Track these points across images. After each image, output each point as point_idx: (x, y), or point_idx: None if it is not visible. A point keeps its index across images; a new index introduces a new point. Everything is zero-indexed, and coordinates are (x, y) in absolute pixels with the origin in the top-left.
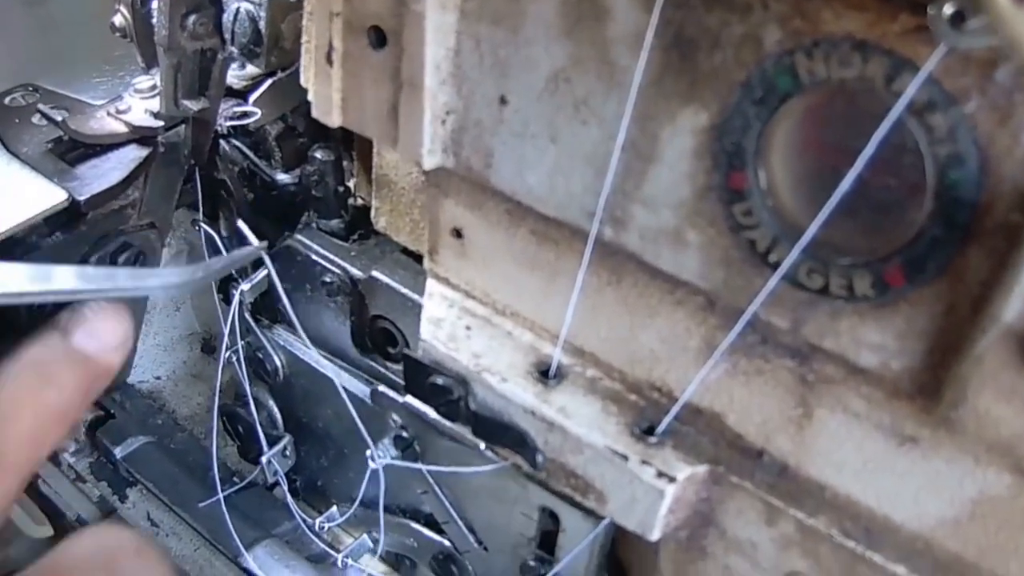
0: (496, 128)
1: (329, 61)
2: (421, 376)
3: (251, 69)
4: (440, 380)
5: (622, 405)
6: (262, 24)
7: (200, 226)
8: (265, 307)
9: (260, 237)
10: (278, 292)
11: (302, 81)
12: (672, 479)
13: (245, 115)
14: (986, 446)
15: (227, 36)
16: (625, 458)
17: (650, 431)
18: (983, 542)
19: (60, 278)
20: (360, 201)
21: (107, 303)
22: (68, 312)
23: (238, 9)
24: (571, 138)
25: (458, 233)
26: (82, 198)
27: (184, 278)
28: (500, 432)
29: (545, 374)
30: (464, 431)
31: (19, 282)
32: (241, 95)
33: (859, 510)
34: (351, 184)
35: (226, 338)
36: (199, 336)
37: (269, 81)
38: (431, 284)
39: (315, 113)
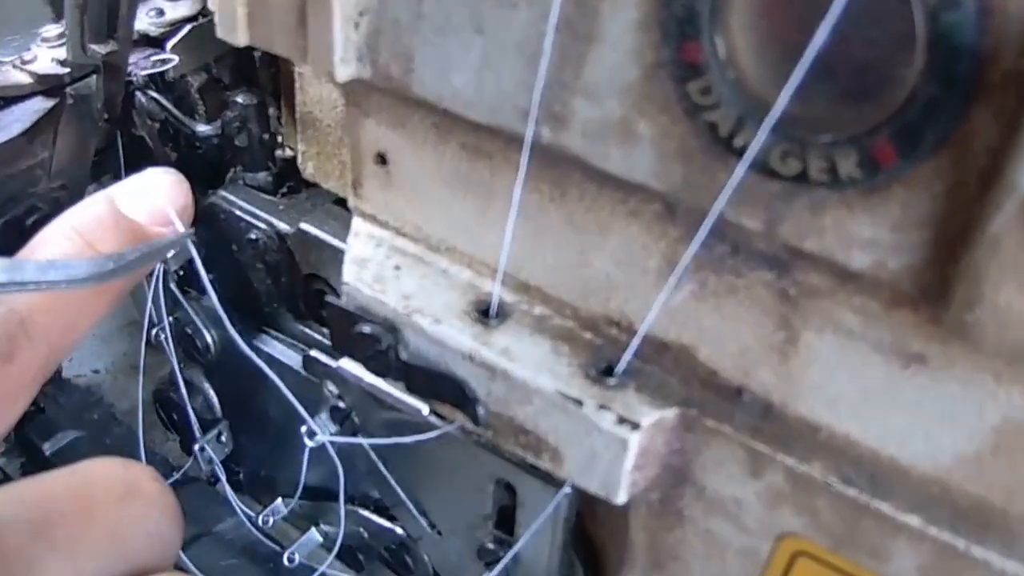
0: (415, 25)
1: None
2: (346, 325)
3: (169, 15)
4: (367, 328)
5: (575, 344)
6: None
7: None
8: (194, 277)
9: None
10: (199, 273)
11: (210, 4)
12: (636, 425)
13: (162, 63)
14: (1009, 356)
15: None
16: (579, 403)
17: (608, 372)
18: (1010, 481)
19: None
20: (289, 152)
21: (164, 170)
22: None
23: None
24: (498, 25)
25: (382, 159)
26: None
27: (92, 270)
28: (436, 384)
29: (485, 314)
30: (398, 389)
31: None
32: (159, 43)
33: (860, 452)
34: (278, 134)
35: (150, 313)
36: (138, 325)
37: (189, 27)
38: (356, 223)
39: (220, 32)
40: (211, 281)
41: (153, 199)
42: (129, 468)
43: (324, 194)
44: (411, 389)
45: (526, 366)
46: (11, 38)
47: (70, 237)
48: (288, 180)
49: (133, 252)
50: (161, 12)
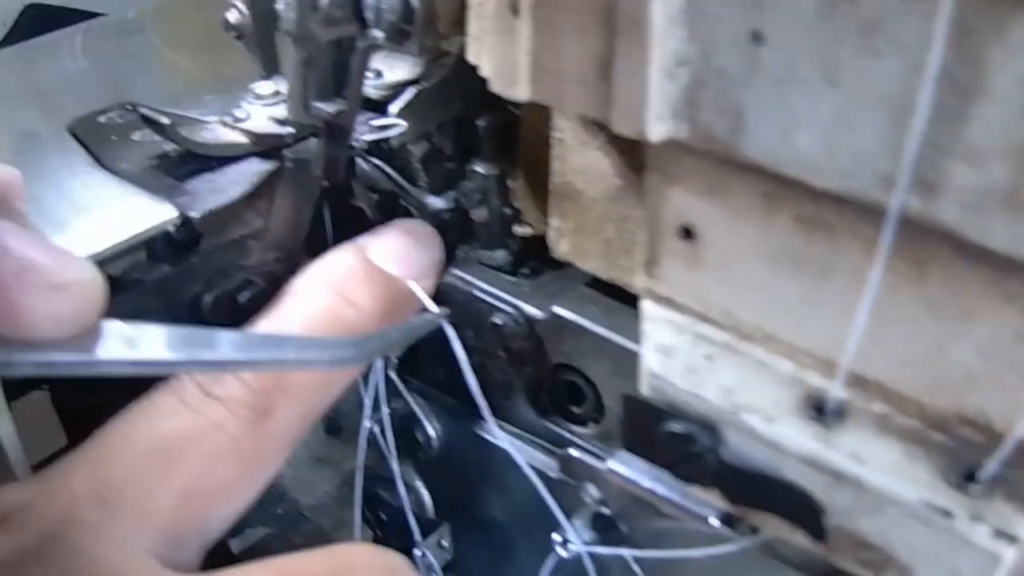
0: (748, 76)
1: (515, 11)
2: (649, 424)
3: (389, 77)
4: (678, 427)
5: (927, 447)
6: None
7: None
8: (414, 366)
9: None
10: (459, 361)
11: (470, 56)
12: (1013, 539)
13: (386, 128)
14: None
15: (369, 16)
16: (948, 514)
17: (969, 478)
18: None
19: (222, 345)
20: (528, 229)
21: (414, 222)
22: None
23: None
24: (858, 77)
25: (688, 232)
26: (195, 215)
27: (357, 352)
28: (767, 492)
29: (820, 411)
30: (677, 494)
31: (175, 349)
32: (379, 107)
33: None
34: (518, 208)
35: (368, 406)
36: (324, 416)
37: (413, 90)
38: (650, 307)
39: (495, 86)
40: (436, 369)
41: (404, 251)
42: (388, 556)
43: (572, 275)
44: (730, 498)
45: (879, 472)
46: (210, 97)
47: (323, 291)
48: (528, 260)
49: (396, 331)
50: (379, 73)
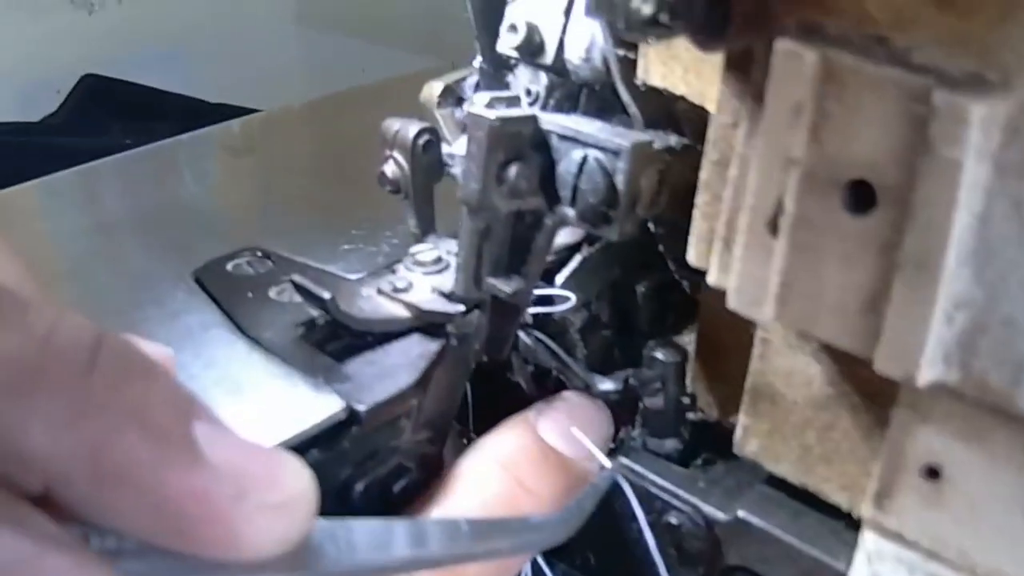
0: None
1: (773, 230)
2: None
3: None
4: None
5: None
6: (619, 179)
7: (471, 440)
8: (564, 548)
9: None
10: (645, 537)
11: (692, 259)
12: None
13: (549, 301)
14: None
15: (564, 194)
16: None
17: None
18: None
19: (435, 539)
20: (700, 415)
21: (584, 396)
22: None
23: (585, 158)
24: None
25: (933, 472)
26: (362, 408)
27: (567, 526)
28: None
29: None
30: None
31: (398, 547)
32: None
33: None
34: (691, 395)
35: None
36: None
37: (578, 258)
38: (872, 539)
39: (734, 303)
40: (587, 561)
41: (576, 428)
42: None
43: (747, 469)
44: None
45: None
46: (347, 247)
47: (496, 475)
48: (700, 450)
49: (587, 499)
50: None
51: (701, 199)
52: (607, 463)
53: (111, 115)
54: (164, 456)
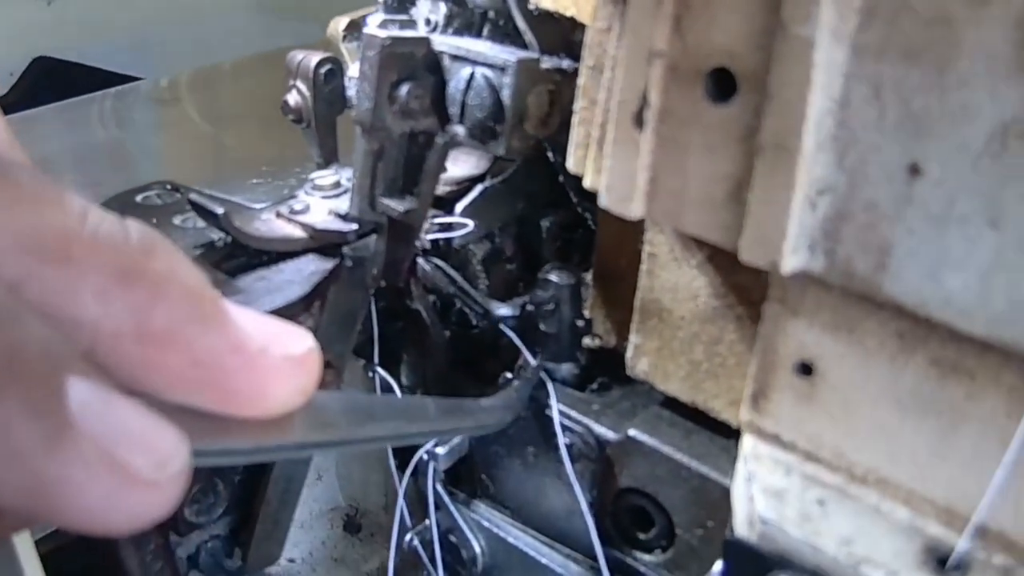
0: (900, 211)
1: (639, 123)
2: (753, 571)
3: (452, 172)
4: None
5: None
6: (505, 94)
7: (375, 373)
8: (461, 476)
9: (452, 391)
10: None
11: (571, 165)
12: None
13: (450, 228)
14: None
15: (453, 111)
16: None
17: None
18: None
19: (426, 414)
20: (597, 341)
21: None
22: None
23: (472, 75)
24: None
25: (806, 368)
26: None
27: (510, 410)
28: None
29: (942, 564)
30: None
31: (339, 425)
32: (442, 203)
33: None
34: (587, 319)
35: (402, 516)
36: (342, 512)
37: (480, 187)
38: (752, 443)
39: (605, 201)
40: (487, 484)
41: None
42: None
43: (643, 393)
44: None
45: None
46: (256, 181)
47: None
48: (596, 374)
49: (522, 390)
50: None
51: (579, 105)
52: (532, 360)
53: (62, 97)
54: (202, 314)
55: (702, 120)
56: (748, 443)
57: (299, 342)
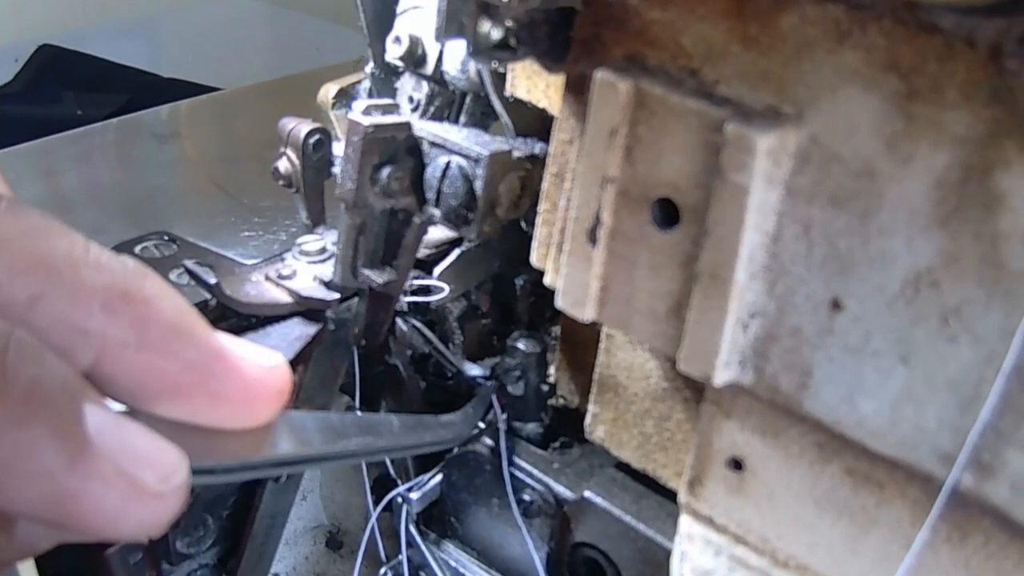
0: (822, 340)
1: (592, 239)
2: None
3: (433, 235)
4: None
5: None
6: (478, 184)
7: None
8: (433, 518)
9: None
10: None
11: (534, 260)
12: None
13: (428, 290)
14: None
15: (430, 195)
16: None
17: None
18: None
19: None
20: (562, 402)
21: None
22: None
23: (448, 164)
24: (931, 358)
25: (737, 464)
26: None
27: (466, 426)
28: None
29: None
30: None
31: (314, 442)
32: (421, 265)
33: None
34: (554, 384)
35: (370, 549)
36: (324, 529)
37: (457, 251)
38: (688, 523)
39: (561, 303)
40: (456, 526)
41: None
42: None
43: (601, 453)
44: None
45: None
46: (247, 233)
47: None
48: (559, 433)
49: (477, 407)
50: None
51: (543, 207)
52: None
53: (65, 86)
54: (190, 328)
55: (648, 242)
56: (684, 522)
57: (270, 356)
